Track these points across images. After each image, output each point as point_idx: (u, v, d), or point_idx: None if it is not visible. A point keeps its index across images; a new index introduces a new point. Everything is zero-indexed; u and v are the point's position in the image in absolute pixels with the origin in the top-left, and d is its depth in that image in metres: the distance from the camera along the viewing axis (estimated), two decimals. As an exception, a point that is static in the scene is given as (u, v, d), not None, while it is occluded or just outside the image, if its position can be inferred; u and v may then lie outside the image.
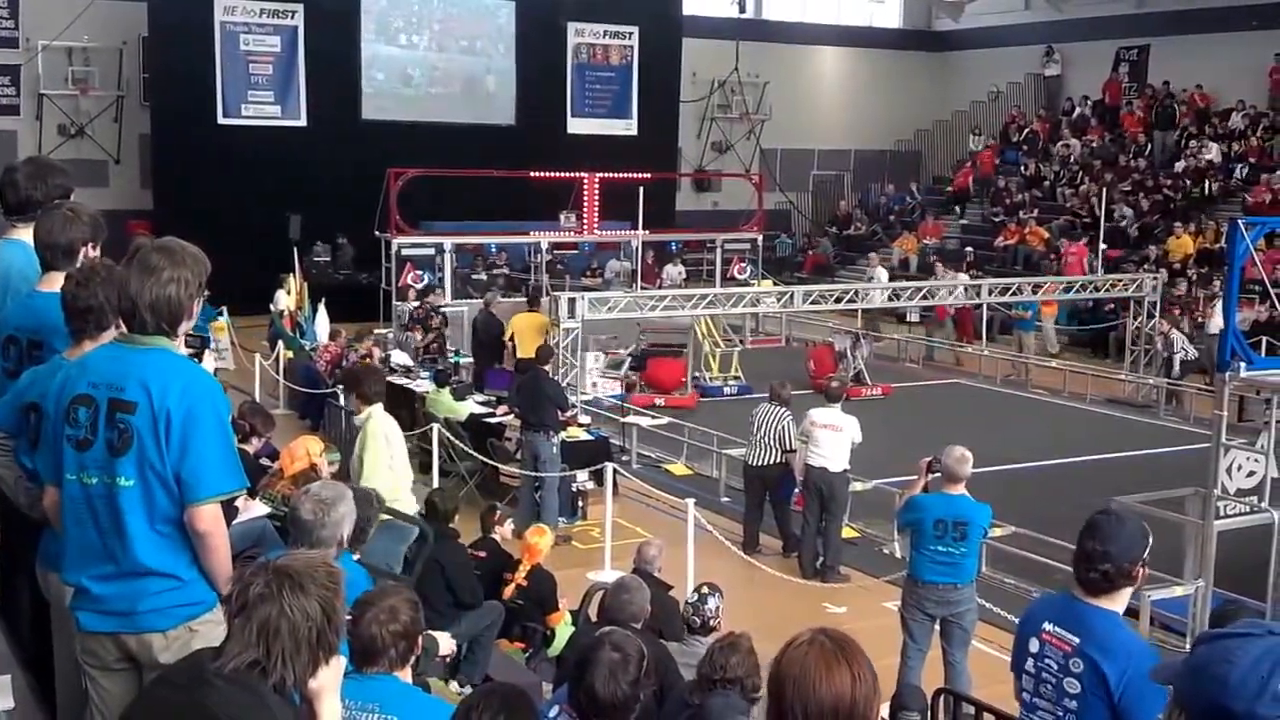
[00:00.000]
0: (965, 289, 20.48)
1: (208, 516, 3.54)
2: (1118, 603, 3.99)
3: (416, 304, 18.29)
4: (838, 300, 18.83)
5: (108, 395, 3.53)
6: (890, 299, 20.89)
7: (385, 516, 5.70)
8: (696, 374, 18.25)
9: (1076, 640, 3.94)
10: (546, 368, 12.65)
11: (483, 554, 8.35)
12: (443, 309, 17.94)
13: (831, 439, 10.97)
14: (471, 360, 16.97)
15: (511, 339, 16.53)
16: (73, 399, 3.58)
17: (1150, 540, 4.00)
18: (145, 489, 3.51)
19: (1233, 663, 1.99)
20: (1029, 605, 4.35)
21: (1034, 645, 4.07)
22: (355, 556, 4.64)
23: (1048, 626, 4.05)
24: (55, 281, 4.34)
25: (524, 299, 20.32)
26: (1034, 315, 21.23)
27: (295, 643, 2.50)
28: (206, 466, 3.52)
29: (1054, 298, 20.48)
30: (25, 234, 4.71)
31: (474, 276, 22.40)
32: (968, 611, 8.07)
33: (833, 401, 11.22)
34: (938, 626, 8.08)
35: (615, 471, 11.55)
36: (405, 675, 3.82)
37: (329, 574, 2.61)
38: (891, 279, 23.70)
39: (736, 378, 18.42)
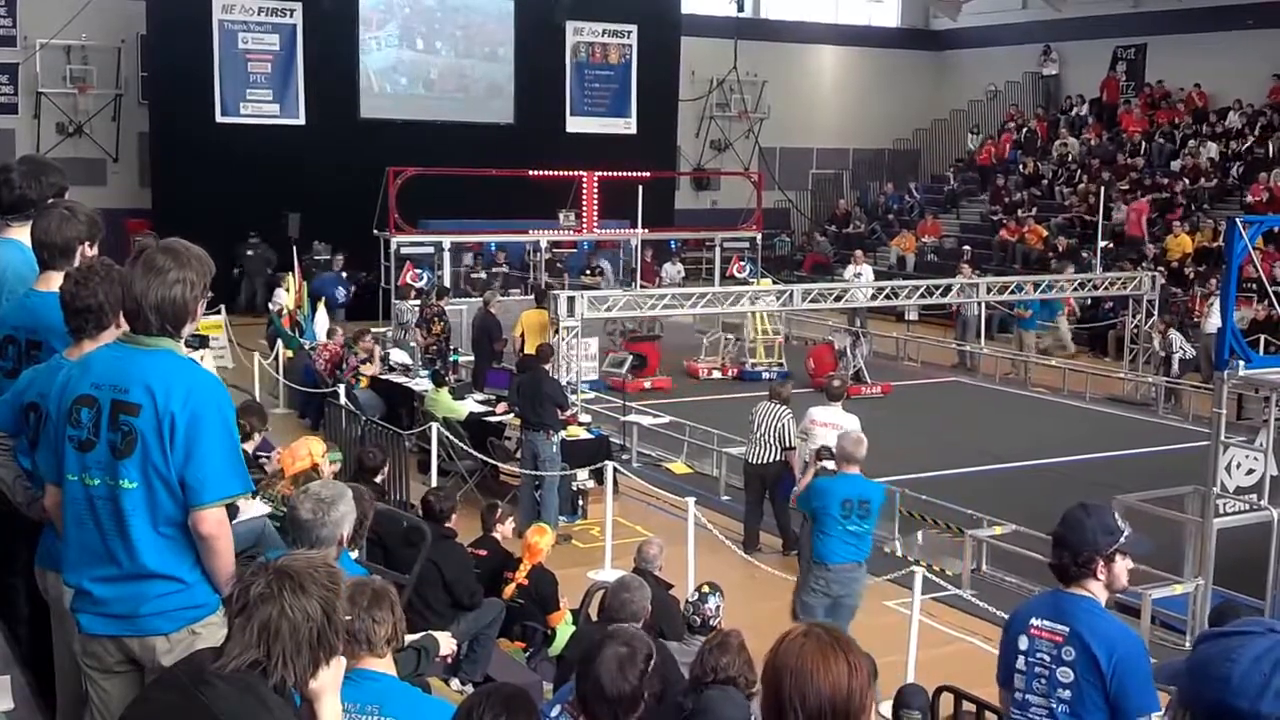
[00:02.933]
0: (984, 288, 20.31)
1: (212, 520, 3.51)
2: (1095, 593, 4.05)
3: (418, 302, 18.17)
4: (837, 299, 19.04)
5: (111, 396, 3.50)
6: (887, 297, 20.87)
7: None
8: (742, 359, 19.62)
9: (1066, 629, 4.01)
10: (546, 366, 12.63)
11: (483, 552, 8.35)
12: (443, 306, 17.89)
13: (832, 438, 10.94)
14: (471, 359, 16.95)
15: (521, 336, 16.52)
16: (75, 399, 3.55)
17: (1118, 538, 4.03)
18: (148, 491, 3.48)
19: (1235, 661, 1.99)
20: (1013, 611, 4.38)
21: (1023, 643, 4.11)
22: (354, 555, 4.63)
23: (1036, 621, 4.10)
24: (52, 281, 4.32)
25: (524, 296, 20.28)
26: (1036, 314, 21.16)
27: (296, 643, 2.50)
28: (211, 470, 3.49)
29: (1068, 294, 20.44)
30: (21, 233, 4.69)
31: (474, 275, 22.38)
32: (861, 590, 8.64)
33: (834, 400, 11.21)
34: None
35: (615, 470, 11.54)
36: (387, 664, 3.75)
37: (329, 574, 2.60)
38: (888, 278, 23.62)
39: (780, 364, 19.43)
